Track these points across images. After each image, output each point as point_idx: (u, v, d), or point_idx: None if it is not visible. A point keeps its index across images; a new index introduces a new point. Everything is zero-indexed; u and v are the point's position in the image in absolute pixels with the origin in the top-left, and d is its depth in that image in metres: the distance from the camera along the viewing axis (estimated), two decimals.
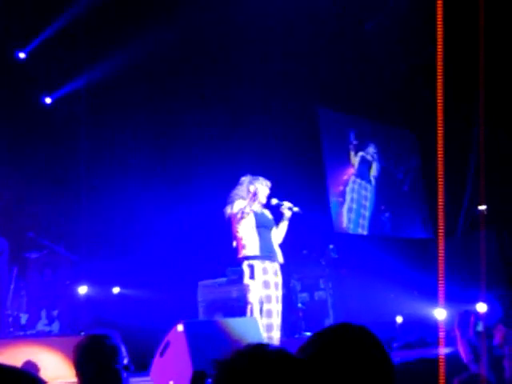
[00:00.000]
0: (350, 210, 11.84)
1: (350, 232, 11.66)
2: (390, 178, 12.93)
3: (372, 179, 12.59)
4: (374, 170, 12.68)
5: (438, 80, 4.28)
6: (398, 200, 12.94)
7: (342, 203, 11.69)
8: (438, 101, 4.28)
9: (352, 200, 11.93)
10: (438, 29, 4.25)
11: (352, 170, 12.09)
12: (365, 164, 12.47)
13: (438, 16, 4.24)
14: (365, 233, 12.01)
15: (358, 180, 12.25)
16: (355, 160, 12.25)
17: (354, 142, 12.21)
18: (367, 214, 12.23)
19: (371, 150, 12.63)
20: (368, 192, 12.40)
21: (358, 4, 10.10)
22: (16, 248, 8.52)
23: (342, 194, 11.78)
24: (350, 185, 12.03)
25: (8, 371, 1.36)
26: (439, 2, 4.29)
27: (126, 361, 3.12)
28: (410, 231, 12.82)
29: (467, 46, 10.16)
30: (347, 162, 12.07)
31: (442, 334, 4.74)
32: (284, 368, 1.53)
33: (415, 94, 11.07)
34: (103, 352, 3.07)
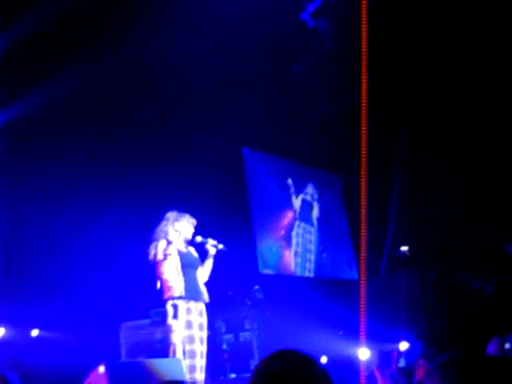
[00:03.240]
0: (296, 254, 11.85)
1: (297, 275, 11.70)
2: (327, 218, 13.00)
3: (314, 221, 12.62)
4: (315, 211, 12.70)
5: (363, 123, 4.39)
6: (335, 240, 12.99)
7: (285, 247, 11.65)
8: (362, 144, 4.38)
9: (298, 244, 11.94)
10: (363, 73, 4.37)
11: (291, 214, 12.08)
12: (306, 206, 12.49)
13: (363, 61, 4.37)
14: (311, 275, 12.07)
15: (302, 224, 12.24)
16: (297, 204, 12.26)
17: (293, 186, 12.24)
18: (313, 257, 12.25)
19: (310, 189, 12.68)
20: (312, 235, 12.42)
21: (285, 46, 10.33)
22: None
23: (285, 238, 11.73)
24: (295, 229, 12.02)
25: None
26: (364, 46, 4.42)
27: None
28: (343, 272, 12.88)
29: (391, 87, 10.53)
30: (283, 205, 12.00)
31: (363, 375, 4.79)
32: None
33: (339, 136, 11.30)
34: None
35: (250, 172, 11.40)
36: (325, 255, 12.57)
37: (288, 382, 1.79)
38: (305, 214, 12.41)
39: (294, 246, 11.86)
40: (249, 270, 10.32)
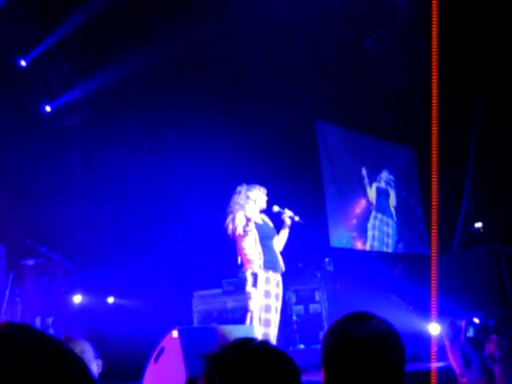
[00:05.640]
0: (371, 247, 11.53)
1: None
2: (404, 205, 12.47)
3: (392, 210, 12.13)
4: (392, 200, 12.18)
5: (434, 95, 4.33)
6: (411, 226, 12.44)
7: (357, 238, 11.26)
8: (433, 117, 4.33)
9: (374, 238, 11.55)
10: (433, 44, 4.31)
11: (364, 202, 11.60)
12: (382, 195, 12.03)
13: (434, 31, 4.30)
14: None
15: (379, 215, 11.80)
16: (372, 194, 11.78)
17: (366, 176, 11.72)
18: (390, 250, 11.88)
19: (384, 175, 12.19)
20: (390, 228, 11.95)
21: (358, 18, 10.22)
22: (13, 254, 8.54)
23: (358, 229, 11.34)
24: (372, 221, 11.60)
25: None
26: (434, 17, 4.35)
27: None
28: (415, 247, 12.50)
29: (464, 59, 10.27)
30: (356, 189, 11.58)
31: (434, 349, 4.76)
32: (268, 359, 1.58)
33: (412, 110, 11.11)
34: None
35: (322, 146, 11.25)
36: (401, 245, 12.22)
37: (361, 342, 1.83)
38: (382, 205, 11.91)
39: (369, 240, 11.46)
40: (320, 242, 10.33)
